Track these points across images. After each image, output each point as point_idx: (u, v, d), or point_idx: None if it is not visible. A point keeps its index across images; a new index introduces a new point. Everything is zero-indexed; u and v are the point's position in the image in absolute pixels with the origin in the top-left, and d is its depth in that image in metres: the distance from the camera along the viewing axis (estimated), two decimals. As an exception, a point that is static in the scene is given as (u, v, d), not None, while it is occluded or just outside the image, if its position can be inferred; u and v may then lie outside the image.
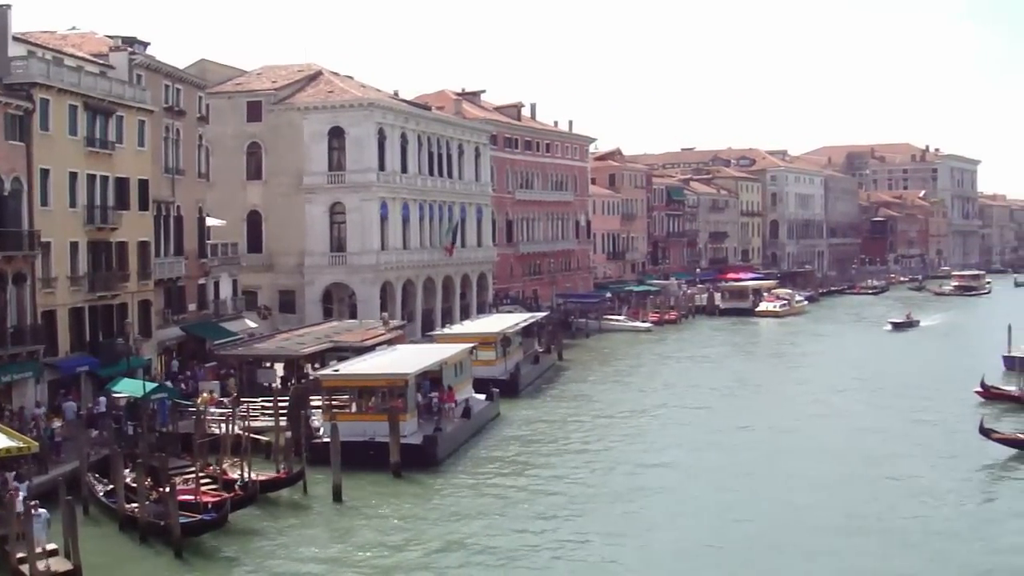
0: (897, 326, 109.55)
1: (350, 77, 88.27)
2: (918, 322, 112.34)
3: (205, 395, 53.14)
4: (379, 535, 38.09)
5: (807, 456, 50.28)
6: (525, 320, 79.98)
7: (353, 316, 76.91)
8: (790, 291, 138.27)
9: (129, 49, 61.03)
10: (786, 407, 64.48)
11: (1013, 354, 74.98)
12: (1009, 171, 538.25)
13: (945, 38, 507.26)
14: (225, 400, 52.68)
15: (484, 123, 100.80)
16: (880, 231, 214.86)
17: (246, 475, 40.71)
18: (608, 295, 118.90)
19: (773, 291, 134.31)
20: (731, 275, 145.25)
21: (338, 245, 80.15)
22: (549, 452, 51.96)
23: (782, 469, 47.80)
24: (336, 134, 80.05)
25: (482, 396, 60.11)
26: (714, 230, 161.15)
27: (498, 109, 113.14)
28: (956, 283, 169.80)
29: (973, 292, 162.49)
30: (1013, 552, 36.55)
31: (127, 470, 40.13)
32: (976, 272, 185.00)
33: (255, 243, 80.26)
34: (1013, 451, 49.92)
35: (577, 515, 40.44)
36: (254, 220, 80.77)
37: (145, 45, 64.11)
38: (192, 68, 75.13)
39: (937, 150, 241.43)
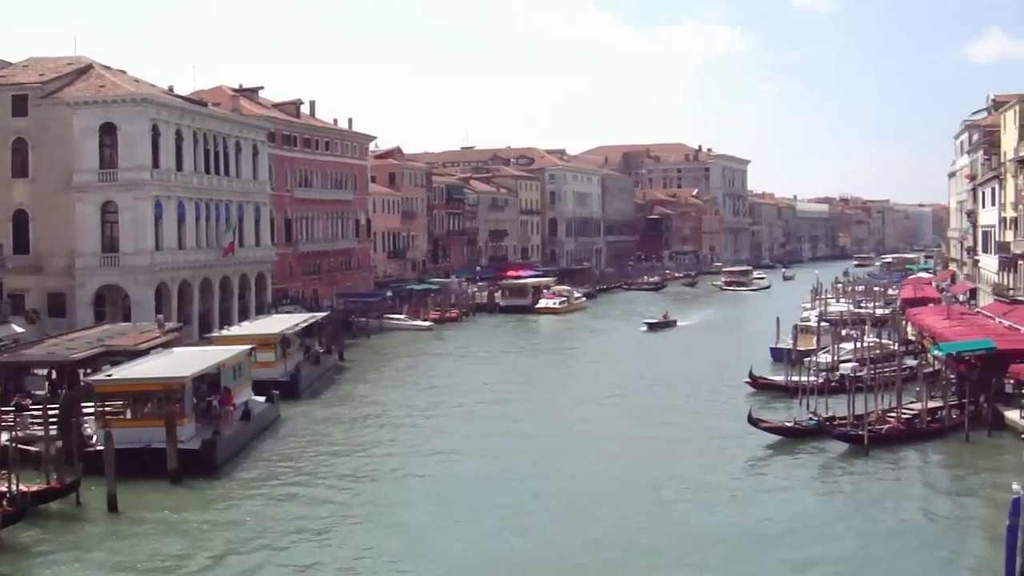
0: (653, 327, 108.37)
1: (122, 71, 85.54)
2: (675, 322, 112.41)
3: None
4: (157, 544, 37.05)
5: (585, 453, 51.12)
6: (305, 320, 79.07)
7: (127, 319, 74.51)
8: (569, 288, 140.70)
9: None
10: (564, 405, 65.49)
11: (780, 345, 78.29)
12: (776, 171, 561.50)
13: (710, 42, 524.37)
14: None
15: (262, 120, 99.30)
16: (655, 228, 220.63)
17: (15, 488, 39.04)
18: (389, 294, 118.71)
19: (552, 288, 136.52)
20: (511, 273, 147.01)
21: (110, 245, 77.64)
22: (330, 454, 51.61)
23: (560, 467, 48.51)
24: (108, 130, 77.45)
25: (262, 398, 59.16)
26: (494, 228, 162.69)
27: (276, 106, 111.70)
28: (727, 279, 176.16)
29: (754, 287, 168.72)
30: (779, 535, 38.16)
31: None
32: (745, 268, 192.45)
33: (21, 244, 76.91)
34: (779, 438, 52.33)
35: (356, 518, 40.17)
36: (20, 220, 77.43)
37: None
38: (-51, 60, 71.74)
39: (709, 150, 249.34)
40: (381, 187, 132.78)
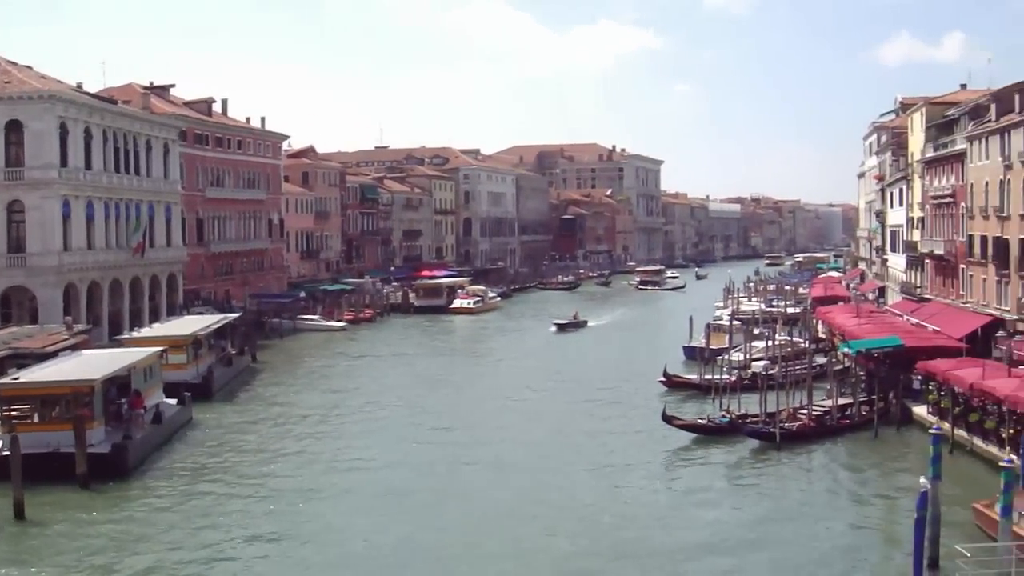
0: (562, 327, 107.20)
1: (29, 67, 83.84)
2: (585, 322, 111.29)
3: None
4: (65, 552, 36.32)
5: (499, 453, 51.07)
6: (217, 321, 78.12)
7: (34, 321, 72.97)
8: (483, 288, 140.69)
9: None
10: (478, 405, 65.56)
11: (693, 344, 79.01)
12: (689, 171, 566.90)
13: (624, 42, 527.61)
14: None
15: (173, 118, 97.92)
16: (570, 228, 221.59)
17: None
18: (302, 294, 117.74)
19: (467, 288, 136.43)
20: (425, 273, 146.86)
21: (16, 246, 75.99)
22: (242, 457, 51.05)
23: (475, 467, 48.59)
24: (14, 128, 75.82)
25: (173, 401, 58.36)
26: (408, 228, 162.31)
27: (188, 104, 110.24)
28: (640, 278, 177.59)
29: (669, 287, 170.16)
30: (693, 529, 38.65)
31: None
32: (658, 267, 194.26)
33: (-77, 245, 75.27)
34: (693, 435, 52.83)
35: (266, 522, 39.74)
36: (-78, 220, 75.77)
37: None
38: None
39: (623, 150, 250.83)
40: (294, 187, 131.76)
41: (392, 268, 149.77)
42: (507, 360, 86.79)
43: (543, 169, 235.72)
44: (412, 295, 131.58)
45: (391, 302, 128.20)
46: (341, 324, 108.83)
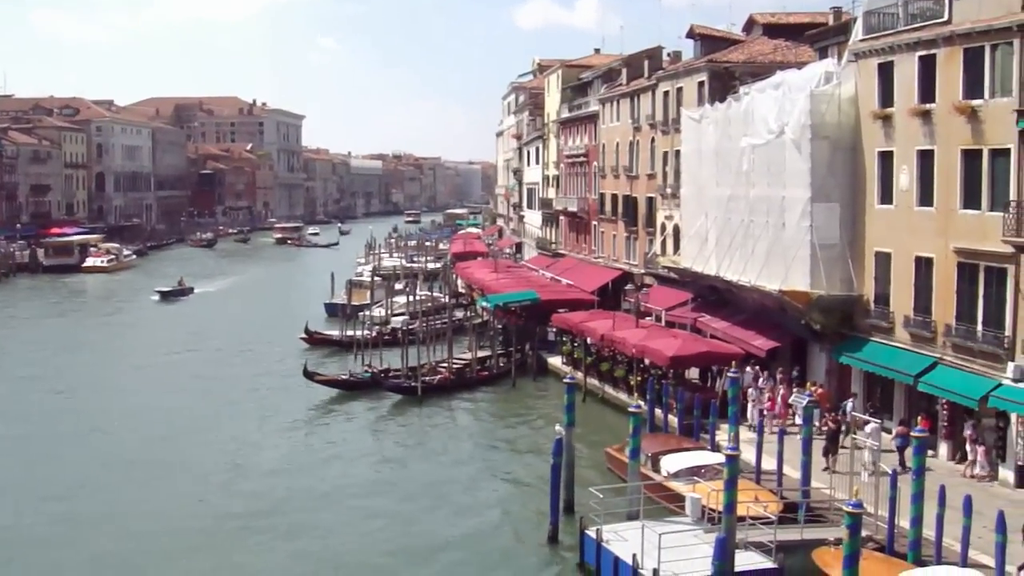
0: (166, 295, 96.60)
1: None
2: (192, 289, 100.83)
3: None
4: None
5: (138, 420, 49.34)
6: None
7: None
8: (118, 245, 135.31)
9: None
10: (111, 368, 63.09)
11: (335, 301, 78.83)
12: (332, 127, 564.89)
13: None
14: None
15: None
16: (208, 184, 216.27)
17: None
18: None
19: (100, 246, 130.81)
20: (55, 230, 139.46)
21: None
22: None
23: (112, 435, 46.93)
24: None
25: None
26: (36, 183, 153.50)
27: None
28: (279, 235, 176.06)
29: (322, 243, 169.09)
30: (336, 481, 38.96)
31: None
32: (297, 224, 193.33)
33: None
34: (335, 392, 52.89)
35: None
36: None
37: None
38: None
39: (264, 105, 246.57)
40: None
41: (19, 225, 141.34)
42: (143, 321, 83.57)
43: (181, 122, 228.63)
44: (41, 253, 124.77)
45: (17, 262, 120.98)
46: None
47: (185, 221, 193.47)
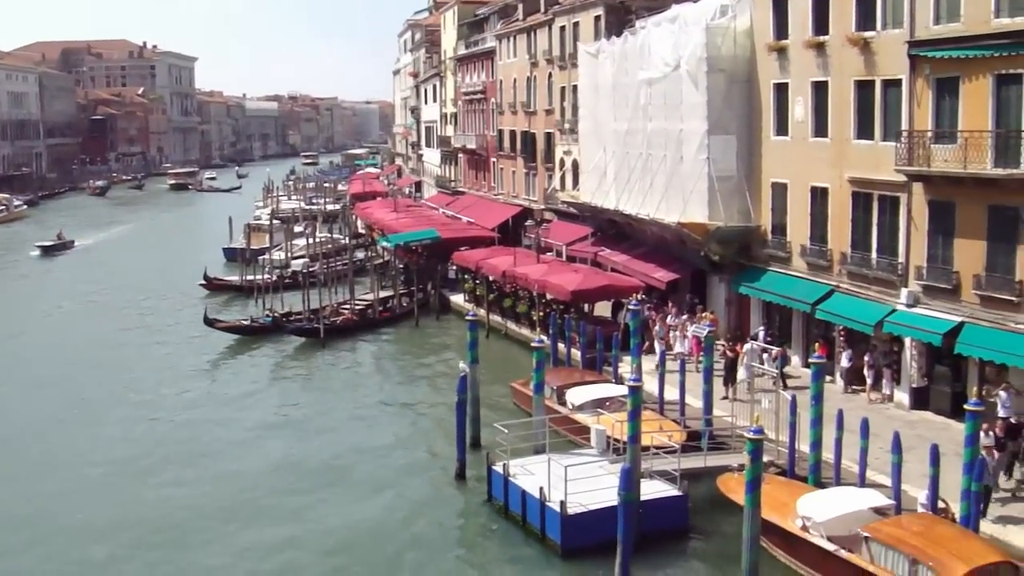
0: (47, 250, 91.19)
1: None
2: (72, 242, 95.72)
3: None
4: None
5: (31, 372, 48.59)
6: None
7: None
8: (8, 196, 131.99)
9: None
10: (8, 322, 61.63)
11: (234, 245, 77.96)
12: (225, 69, 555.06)
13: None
14: None
15: None
16: (100, 130, 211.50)
17: None
18: None
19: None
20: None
21: None
22: None
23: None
24: None
25: None
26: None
27: None
28: (174, 180, 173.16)
29: (224, 188, 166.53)
30: (239, 425, 38.85)
31: None
32: (192, 169, 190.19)
33: None
34: (237, 337, 52.35)
35: None
36: None
37: None
38: None
39: (155, 47, 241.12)
40: None
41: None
42: (35, 273, 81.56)
43: (69, 67, 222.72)
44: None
45: None
46: None
47: (77, 169, 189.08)
